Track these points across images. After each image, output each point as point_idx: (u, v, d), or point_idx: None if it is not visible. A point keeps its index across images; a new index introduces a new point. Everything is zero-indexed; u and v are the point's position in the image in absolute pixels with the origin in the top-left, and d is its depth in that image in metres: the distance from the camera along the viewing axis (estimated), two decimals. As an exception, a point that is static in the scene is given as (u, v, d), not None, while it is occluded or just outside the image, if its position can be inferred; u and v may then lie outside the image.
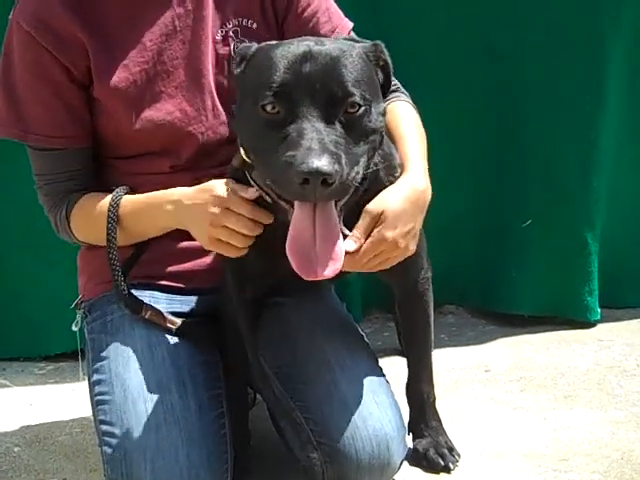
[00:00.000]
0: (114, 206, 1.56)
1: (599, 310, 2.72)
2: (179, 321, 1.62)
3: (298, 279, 1.29)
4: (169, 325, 1.62)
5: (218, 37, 1.63)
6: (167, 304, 1.66)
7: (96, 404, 1.60)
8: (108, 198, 1.59)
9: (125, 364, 1.57)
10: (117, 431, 1.51)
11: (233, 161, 1.46)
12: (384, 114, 1.36)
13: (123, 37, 1.58)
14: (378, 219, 1.38)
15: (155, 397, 1.51)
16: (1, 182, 2.44)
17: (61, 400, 2.32)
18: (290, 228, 1.26)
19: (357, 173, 1.25)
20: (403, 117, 1.60)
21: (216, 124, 1.65)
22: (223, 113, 1.65)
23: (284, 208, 1.31)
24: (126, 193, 1.59)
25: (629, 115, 2.76)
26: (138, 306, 1.61)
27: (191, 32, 1.60)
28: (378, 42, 1.40)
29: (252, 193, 1.40)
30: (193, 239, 1.53)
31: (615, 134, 2.73)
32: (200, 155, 1.65)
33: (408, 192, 1.44)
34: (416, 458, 1.81)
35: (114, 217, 1.55)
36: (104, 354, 1.62)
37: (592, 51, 2.62)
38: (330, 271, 1.24)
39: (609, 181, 2.74)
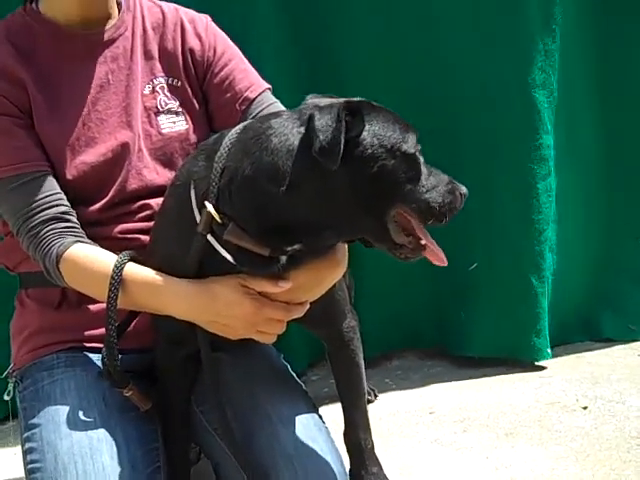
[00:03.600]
0: (117, 272, 1.48)
1: (549, 350, 2.76)
2: (151, 403, 1.62)
3: None
4: (142, 406, 1.61)
5: (146, 91, 1.72)
6: (100, 364, 1.65)
7: (28, 473, 1.57)
8: (109, 259, 1.52)
9: (56, 430, 1.55)
10: None
11: (199, 228, 1.39)
12: None
13: (62, 88, 1.65)
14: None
15: (87, 460, 1.49)
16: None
17: (3, 464, 2.28)
18: (430, 243, 1.42)
19: None
20: None
21: (140, 166, 1.69)
22: (147, 158, 1.70)
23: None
24: (130, 259, 1.52)
25: (566, 159, 2.84)
26: (125, 382, 1.57)
27: (123, 85, 1.70)
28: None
29: (286, 284, 1.42)
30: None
31: (557, 177, 2.79)
32: (126, 201, 1.67)
33: None
34: (360, 505, 1.82)
35: (116, 290, 1.48)
36: (35, 421, 1.59)
37: (528, 96, 2.70)
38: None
39: (553, 224, 2.81)
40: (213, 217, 1.38)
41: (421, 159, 1.39)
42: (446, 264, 1.43)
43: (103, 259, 1.53)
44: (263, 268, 1.41)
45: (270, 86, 1.80)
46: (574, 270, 2.94)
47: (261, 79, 1.80)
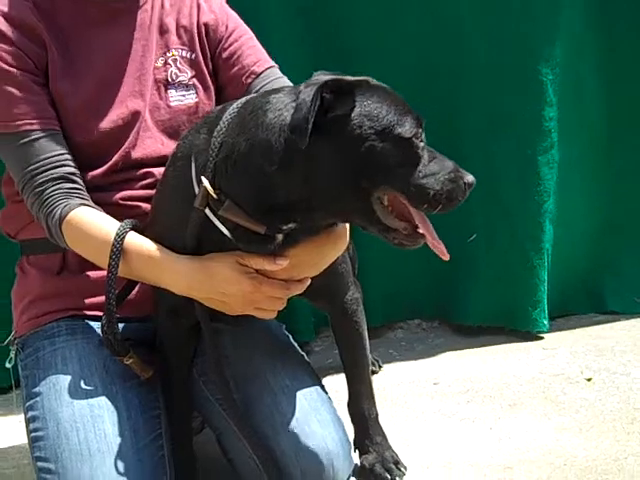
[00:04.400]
0: (118, 241, 1.48)
1: (546, 322, 2.77)
2: (151, 372, 1.63)
3: None
4: (143, 374, 1.62)
5: (158, 64, 1.74)
6: (100, 332, 1.65)
7: (32, 441, 1.58)
8: (111, 226, 1.52)
9: (57, 398, 1.56)
10: (52, 466, 1.50)
11: (196, 203, 1.39)
12: None
13: (80, 51, 1.66)
14: None
15: (88, 427, 1.50)
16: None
17: (8, 432, 2.29)
18: (427, 231, 1.40)
19: None
20: None
21: (145, 136, 1.70)
22: (154, 128, 1.71)
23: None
24: (132, 228, 1.52)
25: (570, 128, 2.82)
26: (125, 351, 1.58)
27: (139, 55, 1.72)
28: None
29: (283, 261, 1.42)
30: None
31: (557, 147, 2.78)
32: (129, 168, 1.68)
33: None
34: (363, 474, 1.82)
35: (116, 258, 1.48)
36: (37, 390, 1.61)
37: (532, 68, 2.68)
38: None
39: (553, 195, 2.79)
40: (209, 193, 1.37)
41: (420, 145, 1.35)
42: (447, 258, 1.40)
43: (106, 225, 1.53)
44: (259, 246, 1.41)
45: (277, 65, 1.83)
46: (578, 242, 2.95)
47: (269, 58, 1.84)
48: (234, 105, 1.43)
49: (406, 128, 1.33)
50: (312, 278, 1.50)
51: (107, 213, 1.58)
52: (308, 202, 1.35)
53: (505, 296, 2.79)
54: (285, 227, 1.39)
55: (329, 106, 1.30)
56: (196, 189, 1.41)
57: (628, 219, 3.00)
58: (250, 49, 1.81)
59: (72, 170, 1.60)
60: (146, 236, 1.52)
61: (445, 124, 2.75)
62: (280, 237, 1.41)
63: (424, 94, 2.71)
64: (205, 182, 1.37)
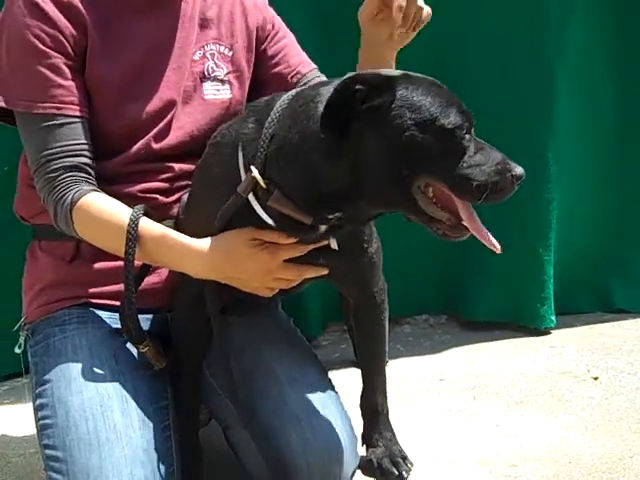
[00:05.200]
0: (133, 226, 1.48)
1: (553, 318, 2.78)
2: (165, 362, 1.63)
3: (251, 296, 1.43)
4: (158, 364, 1.62)
5: (196, 57, 1.73)
6: (111, 322, 1.66)
7: (40, 429, 1.58)
8: (123, 211, 1.53)
9: (67, 386, 1.56)
10: (61, 454, 1.50)
11: (240, 189, 1.41)
12: None
13: (121, 37, 1.65)
14: None
15: (97, 417, 1.50)
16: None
17: (15, 420, 2.30)
18: (472, 224, 1.38)
19: None
20: None
21: (176, 126, 1.69)
22: (186, 119, 1.71)
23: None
24: (144, 213, 1.53)
25: (580, 126, 2.83)
26: (142, 338, 1.58)
27: (177, 47, 1.71)
28: None
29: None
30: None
31: (566, 144, 2.79)
32: (151, 159, 1.67)
33: None
34: (370, 468, 1.82)
35: (133, 244, 1.48)
36: (47, 377, 1.60)
37: (543, 64, 2.68)
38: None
39: (562, 192, 2.81)
40: (258, 182, 1.39)
41: (466, 136, 1.35)
42: (499, 251, 1.38)
43: (118, 211, 1.53)
44: (303, 235, 1.44)
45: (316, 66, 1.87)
46: (586, 239, 2.95)
47: (310, 61, 1.87)
48: (284, 97, 1.44)
49: (449, 120, 1.33)
50: (347, 264, 1.54)
51: (125, 204, 1.57)
52: (353, 192, 1.36)
53: (513, 292, 2.79)
54: (331, 217, 1.41)
55: (366, 97, 1.32)
56: (243, 176, 1.43)
57: (637, 216, 2.99)
58: (294, 50, 1.84)
59: (87, 161, 1.60)
60: (179, 221, 1.58)
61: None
62: (323, 228, 1.43)
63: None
64: (255, 172, 1.39)
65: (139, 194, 1.65)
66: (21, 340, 1.75)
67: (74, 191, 1.55)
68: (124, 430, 1.50)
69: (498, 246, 1.38)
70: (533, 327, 2.77)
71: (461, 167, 1.34)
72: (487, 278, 2.83)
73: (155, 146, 1.67)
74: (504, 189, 1.36)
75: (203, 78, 1.73)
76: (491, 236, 1.39)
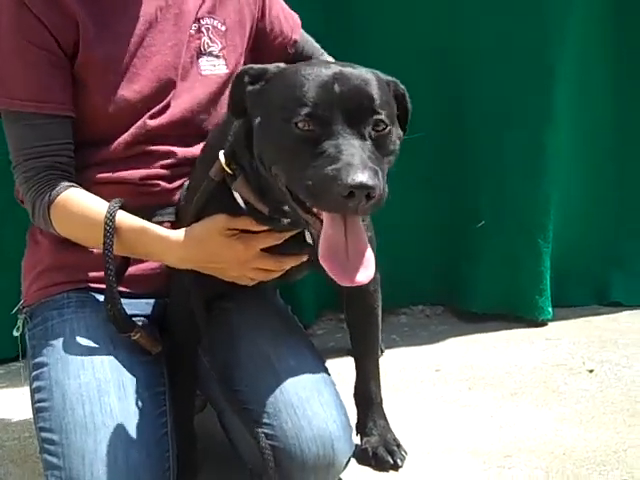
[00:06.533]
0: (110, 219, 1.49)
1: (551, 309, 2.78)
2: (161, 347, 1.64)
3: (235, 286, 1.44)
4: (152, 349, 1.63)
5: (192, 30, 1.73)
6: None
7: (36, 411, 1.59)
8: (100, 206, 1.53)
9: (64, 370, 1.56)
10: (56, 437, 1.50)
11: (211, 173, 1.44)
12: (400, 140, 1.38)
13: (114, 19, 1.65)
14: None
15: (94, 401, 1.51)
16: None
17: (10, 404, 2.30)
18: (322, 239, 1.26)
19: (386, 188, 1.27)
20: None
21: (175, 105, 1.70)
22: (184, 97, 1.71)
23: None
24: (120, 206, 1.53)
25: (578, 119, 2.83)
26: (129, 327, 1.58)
27: (171, 24, 1.70)
28: (394, 79, 1.43)
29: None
30: None
31: (565, 137, 2.79)
32: (151, 140, 1.67)
33: None
34: (365, 457, 1.83)
35: (111, 236, 1.49)
36: (44, 360, 1.61)
37: (542, 56, 2.67)
38: (364, 277, 1.27)
39: (560, 183, 2.81)
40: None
41: (307, 135, 1.25)
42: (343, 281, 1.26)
43: (95, 205, 1.55)
44: (270, 223, 1.45)
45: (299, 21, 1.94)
46: (583, 232, 2.95)
47: (293, 12, 1.92)
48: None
49: (295, 117, 1.25)
50: None
51: (127, 192, 1.60)
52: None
53: (511, 283, 2.79)
54: (286, 209, 1.39)
55: (249, 84, 1.37)
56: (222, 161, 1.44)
57: (634, 210, 2.99)
58: (282, 14, 1.88)
59: (64, 160, 1.61)
60: (179, 207, 1.61)
61: (454, 114, 2.75)
62: (285, 222, 1.42)
63: (433, 84, 2.71)
64: (221, 156, 1.41)
65: (139, 181, 1.65)
66: (19, 323, 1.75)
67: (50, 189, 1.57)
68: (120, 415, 1.50)
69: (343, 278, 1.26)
70: (530, 318, 2.77)
71: (296, 166, 1.25)
72: (484, 269, 2.83)
73: (152, 124, 1.66)
74: (333, 195, 1.18)
75: (199, 54, 1.73)
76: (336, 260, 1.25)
